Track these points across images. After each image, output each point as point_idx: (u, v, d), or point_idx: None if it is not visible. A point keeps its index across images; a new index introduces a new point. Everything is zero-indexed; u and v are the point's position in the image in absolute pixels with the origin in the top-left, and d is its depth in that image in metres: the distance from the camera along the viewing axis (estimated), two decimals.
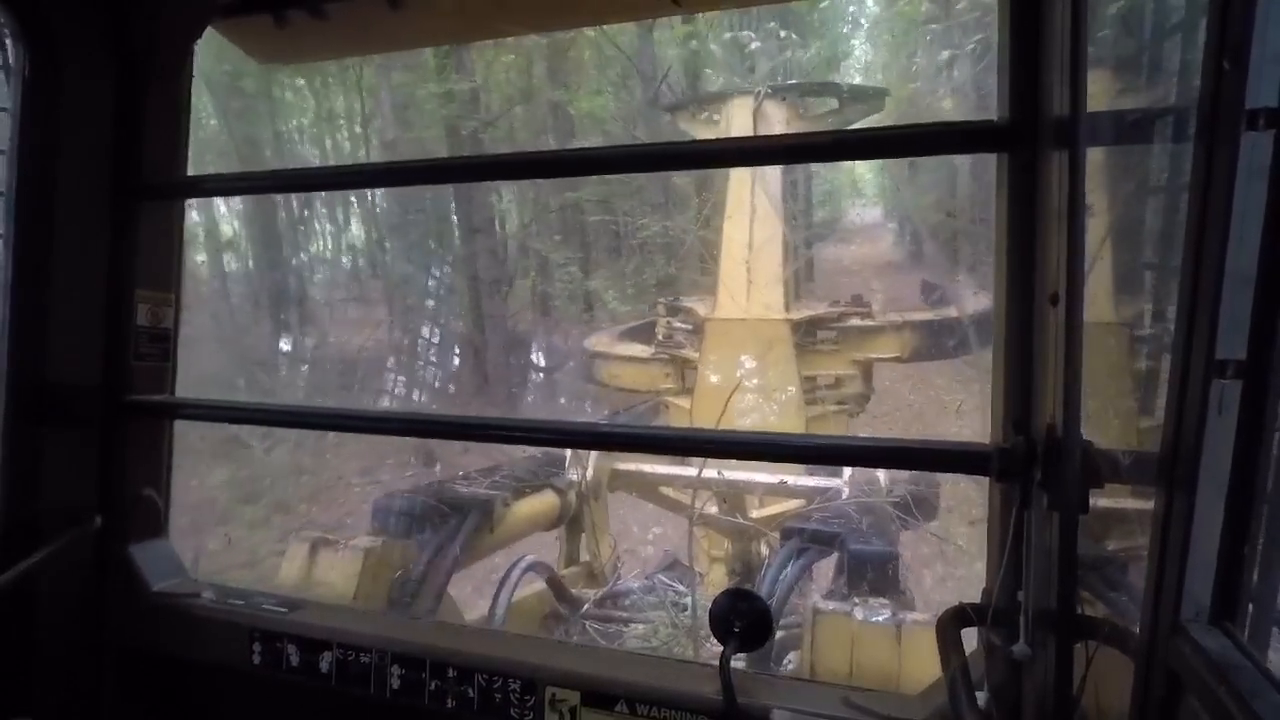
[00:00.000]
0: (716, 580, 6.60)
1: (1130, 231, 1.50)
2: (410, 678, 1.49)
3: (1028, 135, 1.12)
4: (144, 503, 1.77)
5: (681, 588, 5.74)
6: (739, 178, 7.03)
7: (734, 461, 5.83)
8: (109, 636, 1.74)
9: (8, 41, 1.56)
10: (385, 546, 4.13)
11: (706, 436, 2.02)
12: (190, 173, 1.88)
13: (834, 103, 7.97)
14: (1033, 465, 1.05)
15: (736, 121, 7.12)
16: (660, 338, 7.50)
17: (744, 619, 1.35)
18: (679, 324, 7.43)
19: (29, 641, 1.63)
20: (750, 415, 6.41)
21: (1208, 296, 0.74)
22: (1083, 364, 0.90)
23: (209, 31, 1.79)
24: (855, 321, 7.15)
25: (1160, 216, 1.24)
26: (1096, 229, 1.22)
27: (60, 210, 1.62)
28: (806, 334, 6.84)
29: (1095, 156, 1.09)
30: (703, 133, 7.65)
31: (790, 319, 6.67)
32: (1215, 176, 0.73)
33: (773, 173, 6.99)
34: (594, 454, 6.44)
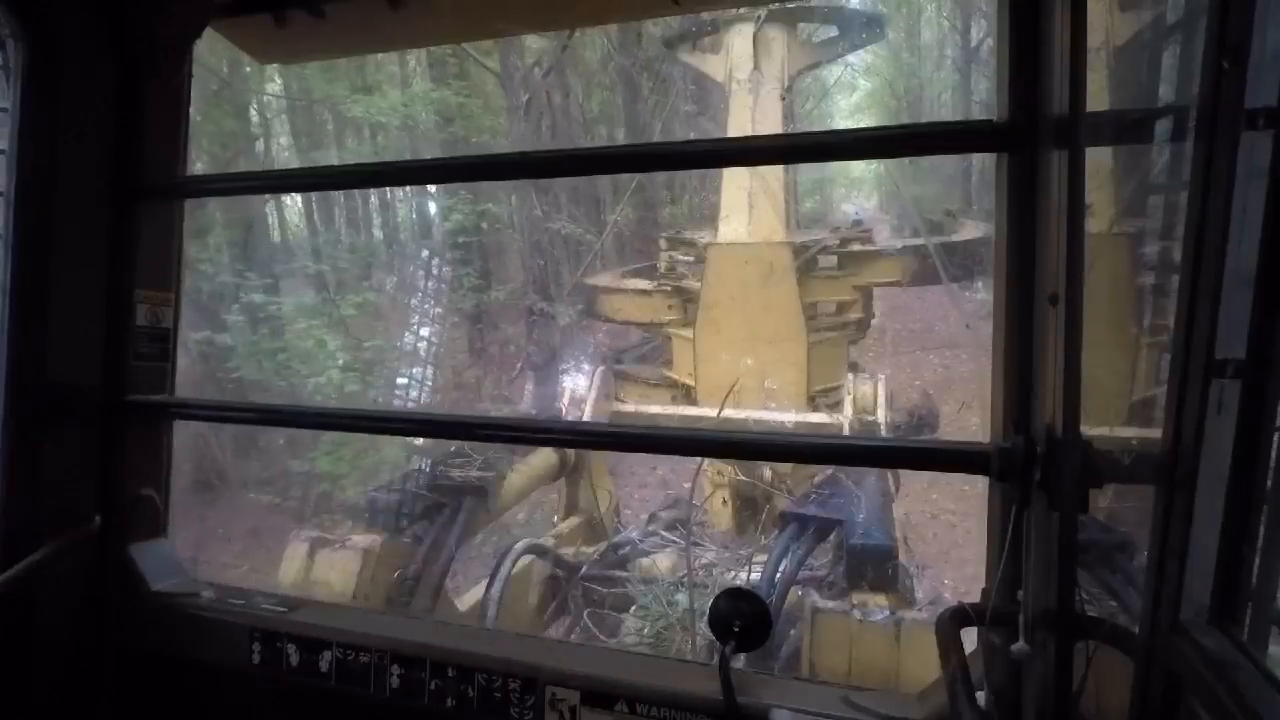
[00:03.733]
0: (718, 505, 6.60)
1: (1130, 231, 1.50)
2: (410, 677, 1.49)
3: (1027, 135, 1.12)
4: (144, 503, 1.77)
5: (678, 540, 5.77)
6: (740, 104, 6.99)
7: (735, 414, 5.83)
8: (109, 636, 1.74)
9: (8, 41, 1.56)
10: (384, 546, 4.13)
11: (707, 437, 2.03)
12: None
13: (834, 29, 7.95)
14: (1032, 465, 1.05)
15: (737, 48, 7.09)
16: (662, 270, 7.48)
17: (743, 619, 1.35)
18: (681, 256, 7.42)
19: (29, 641, 1.63)
20: (749, 344, 6.39)
21: (1208, 296, 0.74)
22: (1083, 364, 0.90)
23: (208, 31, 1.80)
24: (856, 246, 7.12)
25: (1160, 216, 1.24)
26: (1096, 229, 1.23)
27: (60, 210, 1.62)
28: (808, 261, 6.80)
29: (1095, 156, 1.09)
30: (702, 62, 7.62)
31: (791, 243, 6.66)
32: (1215, 176, 0.73)
33: (771, 105, 6.95)
34: (591, 400, 6.43)
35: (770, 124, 6.81)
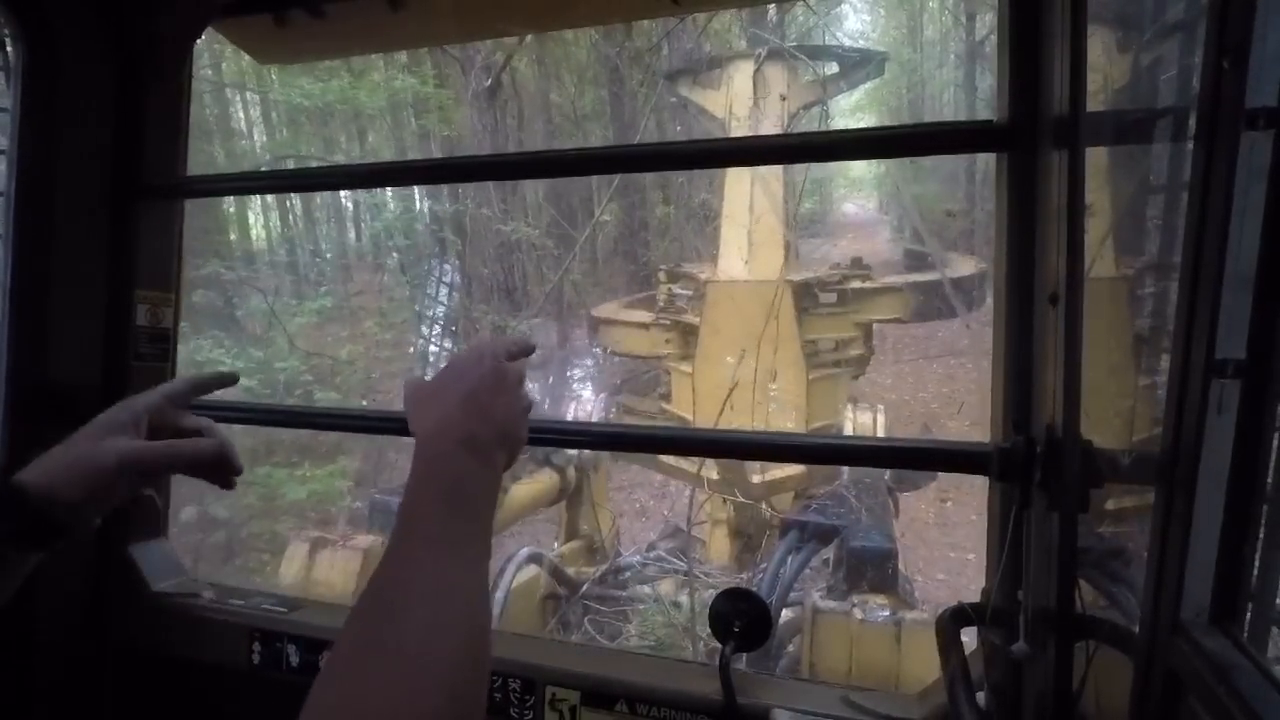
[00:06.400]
0: (718, 543, 6.65)
1: (1130, 231, 1.50)
2: None
3: (1027, 135, 1.12)
4: (144, 503, 1.76)
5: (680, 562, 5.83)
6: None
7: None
8: (109, 636, 1.74)
9: (7, 41, 1.56)
10: (384, 547, 4.13)
11: (707, 436, 2.03)
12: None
13: (835, 66, 7.98)
14: (1032, 465, 1.05)
15: (737, 84, 7.13)
16: (661, 304, 7.53)
17: (744, 619, 1.35)
18: (679, 289, 7.47)
19: (29, 641, 1.63)
20: (749, 381, 6.42)
21: (1207, 296, 0.74)
22: (1083, 364, 0.90)
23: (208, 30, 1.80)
24: (856, 284, 7.14)
25: (1160, 216, 1.24)
26: (1096, 229, 1.23)
27: (60, 210, 1.62)
28: (809, 298, 6.82)
29: (1095, 156, 1.09)
30: (703, 97, 7.66)
31: (791, 281, 6.69)
32: (1215, 176, 0.73)
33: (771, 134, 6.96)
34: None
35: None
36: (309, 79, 13.27)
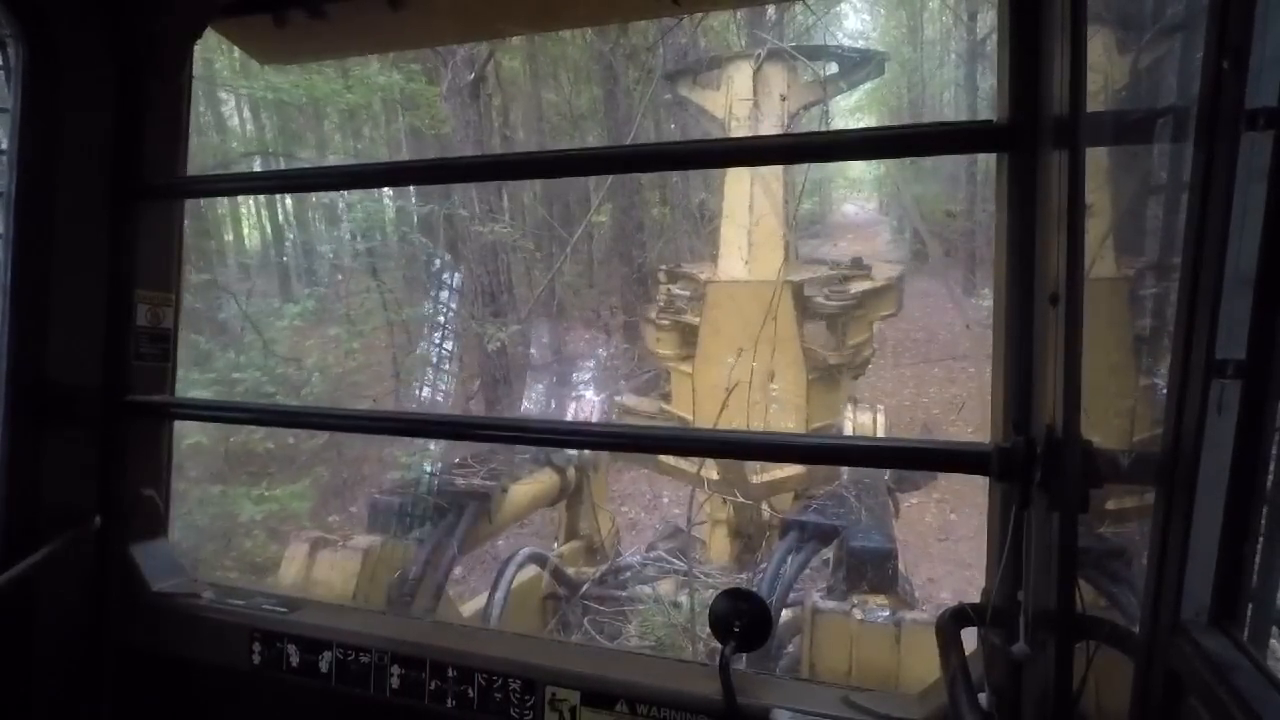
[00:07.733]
0: (718, 543, 6.65)
1: (1130, 231, 1.50)
2: (410, 677, 1.49)
3: (1028, 135, 1.12)
4: (144, 503, 1.77)
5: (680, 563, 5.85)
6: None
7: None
8: (109, 636, 1.74)
9: (8, 41, 1.56)
10: (384, 547, 4.14)
11: (707, 436, 2.03)
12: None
13: (834, 66, 7.96)
14: (1032, 465, 1.05)
15: (737, 85, 7.11)
16: (661, 304, 7.52)
17: (743, 619, 1.36)
18: (679, 290, 7.46)
19: (29, 641, 1.63)
20: (748, 381, 6.39)
21: (1208, 296, 0.74)
22: (1083, 364, 0.90)
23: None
24: (866, 285, 7.10)
25: (1160, 216, 1.24)
26: (1096, 229, 1.23)
27: (60, 210, 1.63)
28: (814, 300, 6.79)
29: (1095, 156, 1.09)
30: (703, 97, 7.65)
31: (792, 281, 6.67)
32: (1215, 176, 0.73)
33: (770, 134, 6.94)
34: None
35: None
36: (279, 75, 12.90)
